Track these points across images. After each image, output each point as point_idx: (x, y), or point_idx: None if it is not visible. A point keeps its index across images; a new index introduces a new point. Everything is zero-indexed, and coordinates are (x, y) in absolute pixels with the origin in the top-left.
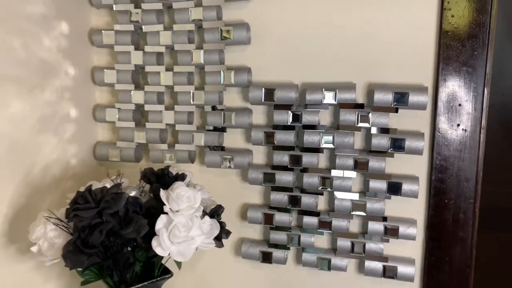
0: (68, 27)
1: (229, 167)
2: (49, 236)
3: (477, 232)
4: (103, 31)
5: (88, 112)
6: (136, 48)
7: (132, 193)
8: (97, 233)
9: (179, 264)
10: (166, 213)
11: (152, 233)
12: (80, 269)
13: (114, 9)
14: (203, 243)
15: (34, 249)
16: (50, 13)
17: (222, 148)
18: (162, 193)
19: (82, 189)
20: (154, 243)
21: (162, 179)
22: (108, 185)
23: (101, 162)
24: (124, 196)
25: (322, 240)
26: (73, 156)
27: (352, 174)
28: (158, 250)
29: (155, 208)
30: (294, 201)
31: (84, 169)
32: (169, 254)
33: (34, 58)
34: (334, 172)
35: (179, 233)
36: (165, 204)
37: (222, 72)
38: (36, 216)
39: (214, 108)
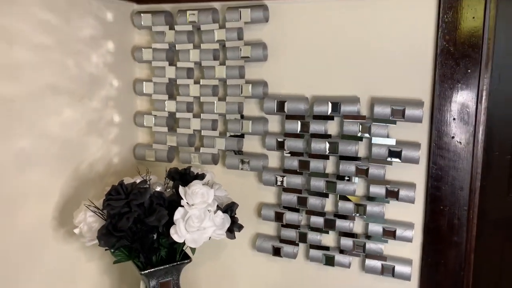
0: (114, 45)
1: (246, 169)
2: (88, 221)
3: (475, 238)
4: (143, 49)
5: (130, 117)
6: (170, 64)
7: (158, 188)
8: (125, 220)
9: (193, 250)
10: (183, 206)
11: (172, 223)
12: (111, 250)
13: (152, 30)
14: (215, 234)
15: (76, 231)
16: (98, 35)
17: (241, 152)
18: (181, 189)
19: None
20: (172, 230)
21: (184, 177)
22: (138, 181)
23: (139, 161)
24: (149, 190)
25: (328, 239)
26: (116, 155)
27: (355, 179)
28: (175, 237)
29: (176, 202)
30: (303, 201)
31: (125, 167)
32: (184, 241)
33: (84, 73)
34: (339, 177)
35: (193, 224)
36: (182, 199)
37: (241, 85)
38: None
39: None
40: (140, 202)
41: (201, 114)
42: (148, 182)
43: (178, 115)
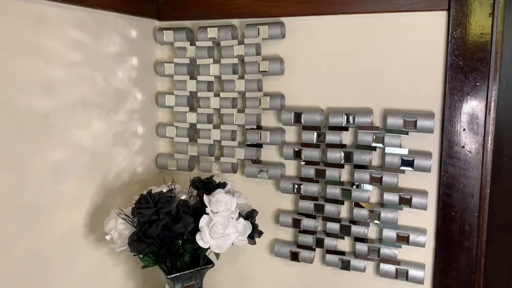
0: (138, 60)
1: (265, 177)
2: (119, 228)
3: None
4: (165, 63)
5: (152, 129)
6: (191, 78)
7: (183, 197)
8: (154, 227)
9: (217, 255)
10: (208, 214)
11: (197, 230)
12: (141, 255)
13: (174, 45)
14: (238, 240)
15: (107, 237)
16: (123, 51)
17: (259, 161)
18: (205, 197)
19: (144, 192)
20: (197, 237)
21: (206, 186)
22: (164, 190)
23: (161, 170)
24: (176, 199)
25: (344, 244)
26: (139, 165)
27: (369, 187)
28: (201, 243)
29: (200, 209)
30: (319, 208)
31: (148, 176)
32: (209, 247)
33: (111, 87)
34: (354, 185)
35: (217, 230)
36: (207, 207)
37: (260, 98)
38: (109, 212)
39: (254, 127)
40: (168, 210)
41: (221, 125)
42: (174, 191)
43: (199, 126)
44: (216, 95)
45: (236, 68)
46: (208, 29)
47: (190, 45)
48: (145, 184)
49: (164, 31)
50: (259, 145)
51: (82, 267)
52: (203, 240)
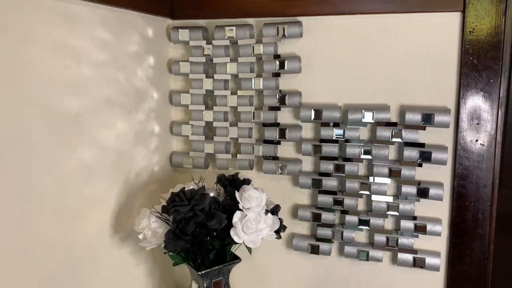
0: (154, 59)
1: (284, 173)
2: (152, 226)
3: (494, 230)
4: (180, 62)
5: (166, 127)
6: (207, 76)
7: (211, 194)
8: (192, 224)
9: (249, 249)
10: (241, 210)
11: (227, 226)
12: (172, 253)
13: (190, 44)
14: (267, 235)
15: (140, 236)
16: (142, 50)
17: (276, 158)
18: (237, 194)
19: (172, 190)
20: (232, 232)
21: (233, 182)
22: (192, 187)
23: (175, 169)
24: (208, 196)
25: (360, 236)
26: (156, 163)
27: (387, 180)
28: (236, 238)
29: (230, 206)
30: (338, 202)
31: (163, 175)
32: (243, 242)
33: (132, 87)
34: (372, 179)
35: (251, 225)
36: (239, 203)
37: (277, 95)
38: (133, 212)
39: (270, 124)
40: (202, 207)
41: (238, 123)
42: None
43: (215, 124)
44: (233, 93)
45: (253, 66)
46: (226, 28)
47: (206, 43)
48: (161, 182)
49: (179, 30)
50: (276, 142)
51: (109, 267)
52: (237, 235)
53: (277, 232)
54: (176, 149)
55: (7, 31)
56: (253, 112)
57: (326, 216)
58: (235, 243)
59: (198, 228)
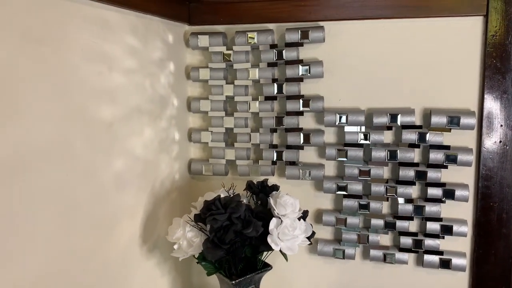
0: (174, 66)
1: (307, 178)
2: (188, 236)
3: None
4: (199, 68)
5: (184, 134)
6: (227, 82)
7: (243, 201)
8: (231, 232)
9: (285, 256)
10: (277, 217)
11: (261, 233)
12: (205, 263)
13: (209, 50)
14: (302, 241)
15: (175, 246)
16: (164, 56)
17: (299, 163)
18: (272, 200)
19: (202, 198)
20: (269, 240)
21: (263, 189)
22: (222, 195)
23: (193, 176)
24: (243, 204)
25: (385, 239)
26: (177, 171)
27: (413, 183)
28: (273, 246)
29: (263, 213)
30: (363, 206)
31: (183, 182)
32: (280, 249)
33: (156, 94)
34: (398, 182)
35: (288, 232)
36: (274, 209)
37: (300, 100)
38: (158, 221)
39: (293, 129)
40: (238, 215)
41: (260, 129)
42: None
43: (235, 130)
44: (254, 99)
45: (274, 71)
46: (248, 33)
47: (227, 49)
48: (181, 190)
49: (198, 36)
50: (300, 147)
51: (139, 278)
52: (274, 243)
53: (309, 238)
54: (194, 157)
55: (45, 38)
56: (275, 118)
57: (351, 220)
58: (271, 250)
59: (235, 236)
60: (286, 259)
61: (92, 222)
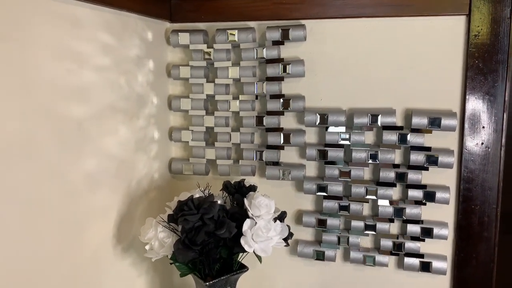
0: (153, 64)
1: (287, 179)
2: (160, 236)
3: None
4: (180, 66)
5: (165, 133)
6: (207, 81)
7: (219, 202)
8: (202, 233)
9: (259, 258)
10: (251, 218)
11: (234, 234)
12: (179, 263)
13: (190, 48)
14: (277, 243)
15: (147, 247)
16: (142, 54)
17: (279, 163)
18: (246, 201)
19: (177, 198)
20: (242, 241)
21: (240, 190)
22: (197, 195)
23: (174, 176)
24: (217, 204)
25: (366, 240)
26: (156, 171)
27: (393, 185)
28: (246, 247)
29: (238, 213)
30: (344, 208)
31: (162, 182)
32: (253, 251)
33: (133, 92)
34: (379, 183)
35: (262, 234)
36: (248, 210)
37: (281, 100)
38: (133, 221)
39: (273, 129)
40: (211, 215)
41: (240, 128)
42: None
43: (216, 129)
44: (234, 98)
45: (255, 70)
46: (228, 31)
47: (207, 47)
48: (161, 190)
49: (179, 34)
50: (279, 147)
51: (113, 279)
52: (248, 244)
53: (286, 239)
54: (175, 156)
55: (11, 35)
56: (256, 117)
57: (331, 222)
58: (245, 251)
59: (208, 238)
60: (260, 261)
61: (60, 222)
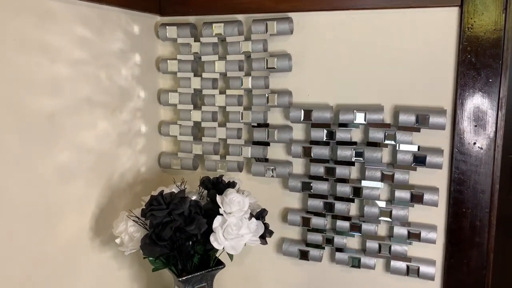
0: (140, 57)
1: (272, 176)
2: (130, 231)
3: (494, 238)
4: (168, 60)
5: (154, 127)
6: (195, 75)
7: (194, 197)
8: (168, 229)
9: (231, 256)
10: (221, 214)
11: (209, 231)
12: (152, 258)
13: (177, 41)
14: (251, 240)
15: (117, 241)
16: (127, 48)
17: (266, 160)
18: (218, 198)
19: (154, 193)
20: (212, 238)
21: (217, 186)
22: (175, 190)
23: (164, 170)
24: (188, 200)
25: (353, 242)
26: (143, 164)
27: (380, 184)
28: (215, 244)
29: (212, 210)
30: (329, 207)
31: (150, 176)
32: (223, 248)
33: (115, 86)
34: (364, 183)
35: (232, 231)
36: (220, 207)
37: (267, 95)
38: (116, 214)
39: (259, 125)
40: (180, 211)
41: (227, 123)
42: (185, 192)
43: (203, 124)
44: (221, 92)
45: (242, 64)
46: (214, 24)
47: (194, 41)
48: (149, 184)
49: (167, 27)
50: (265, 143)
51: (88, 271)
52: (217, 241)
53: (263, 237)
54: (165, 150)
55: None
56: (242, 112)
57: (316, 221)
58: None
59: (178, 233)
60: (231, 259)
61: (27, 213)
